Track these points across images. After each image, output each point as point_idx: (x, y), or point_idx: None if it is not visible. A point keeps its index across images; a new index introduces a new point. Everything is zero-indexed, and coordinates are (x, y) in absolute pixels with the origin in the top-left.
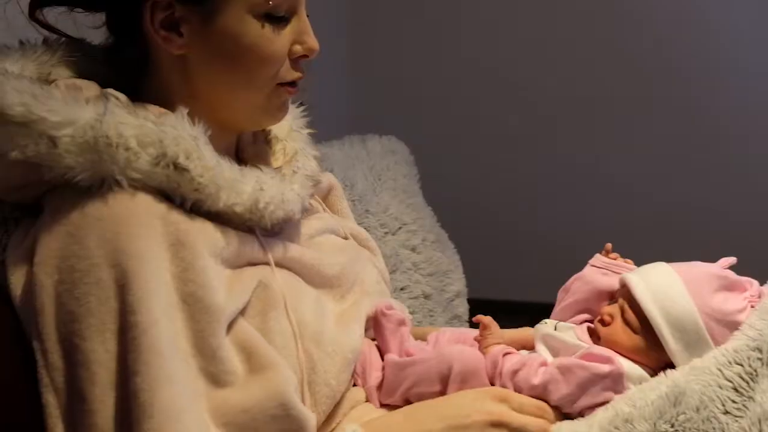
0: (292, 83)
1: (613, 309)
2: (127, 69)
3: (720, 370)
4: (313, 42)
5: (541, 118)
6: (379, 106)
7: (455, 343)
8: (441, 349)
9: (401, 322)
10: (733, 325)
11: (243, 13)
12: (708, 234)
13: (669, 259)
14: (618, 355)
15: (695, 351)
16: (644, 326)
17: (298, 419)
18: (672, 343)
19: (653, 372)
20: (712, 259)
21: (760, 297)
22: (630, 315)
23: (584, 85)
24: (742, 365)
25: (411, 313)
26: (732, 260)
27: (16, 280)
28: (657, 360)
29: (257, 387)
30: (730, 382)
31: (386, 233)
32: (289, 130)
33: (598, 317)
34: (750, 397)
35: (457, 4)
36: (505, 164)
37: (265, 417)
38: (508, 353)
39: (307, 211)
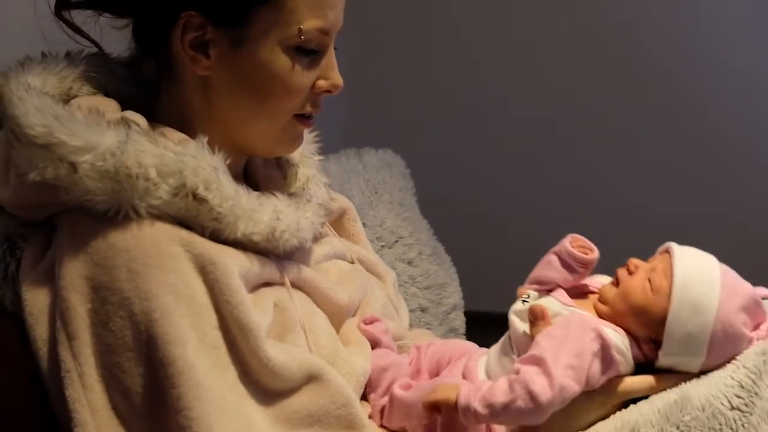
0: (309, 116)
1: (644, 264)
2: (147, 85)
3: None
4: (337, 78)
5: (538, 131)
6: (375, 120)
7: (435, 361)
8: (435, 382)
9: (375, 343)
10: (733, 343)
11: (273, 44)
12: (710, 241)
13: None
14: (603, 322)
15: (688, 344)
16: (667, 293)
17: (358, 418)
18: (675, 323)
19: (632, 341)
20: None
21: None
22: (658, 276)
23: (585, 99)
24: (747, 368)
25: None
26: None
27: (33, 298)
28: (646, 332)
29: (318, 391)
30: (735, 380)
31: (382, 247)
32: (301, 156)
33: (625, 266)
34: (756, 393)
35: (454, 18)
36: (501, 177)
37: (329, 418)
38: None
39: (315, 238)
